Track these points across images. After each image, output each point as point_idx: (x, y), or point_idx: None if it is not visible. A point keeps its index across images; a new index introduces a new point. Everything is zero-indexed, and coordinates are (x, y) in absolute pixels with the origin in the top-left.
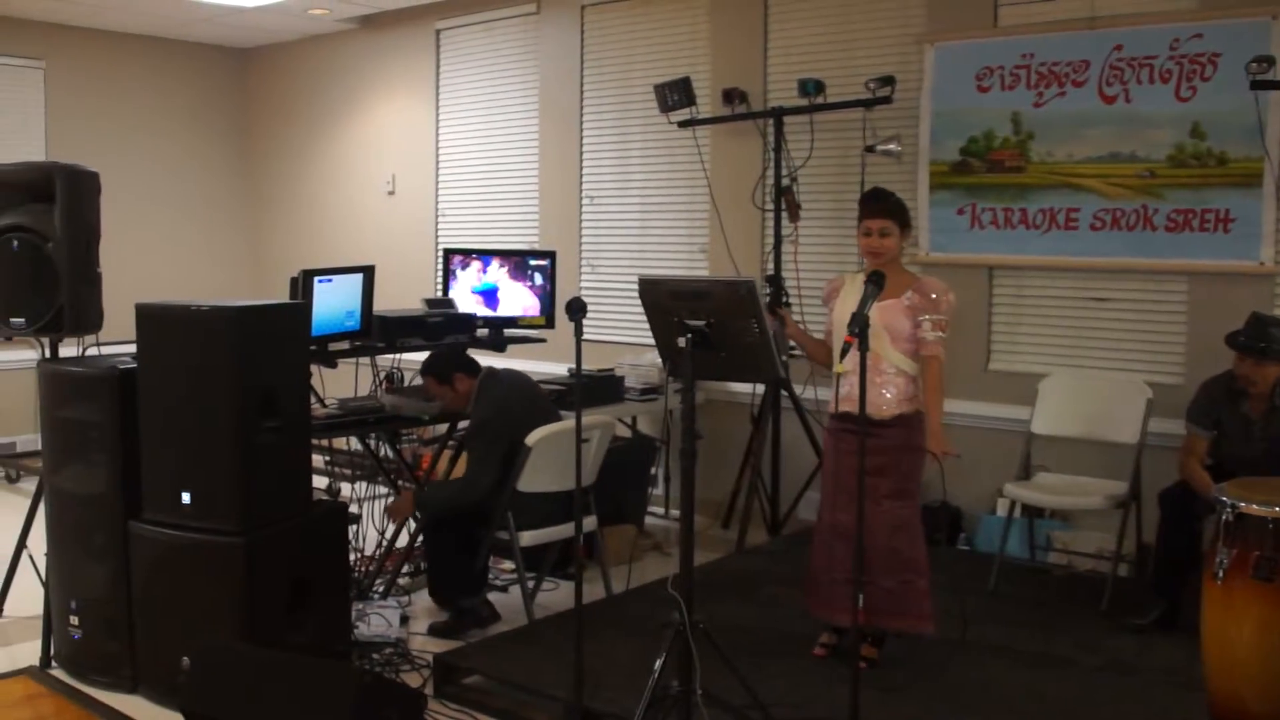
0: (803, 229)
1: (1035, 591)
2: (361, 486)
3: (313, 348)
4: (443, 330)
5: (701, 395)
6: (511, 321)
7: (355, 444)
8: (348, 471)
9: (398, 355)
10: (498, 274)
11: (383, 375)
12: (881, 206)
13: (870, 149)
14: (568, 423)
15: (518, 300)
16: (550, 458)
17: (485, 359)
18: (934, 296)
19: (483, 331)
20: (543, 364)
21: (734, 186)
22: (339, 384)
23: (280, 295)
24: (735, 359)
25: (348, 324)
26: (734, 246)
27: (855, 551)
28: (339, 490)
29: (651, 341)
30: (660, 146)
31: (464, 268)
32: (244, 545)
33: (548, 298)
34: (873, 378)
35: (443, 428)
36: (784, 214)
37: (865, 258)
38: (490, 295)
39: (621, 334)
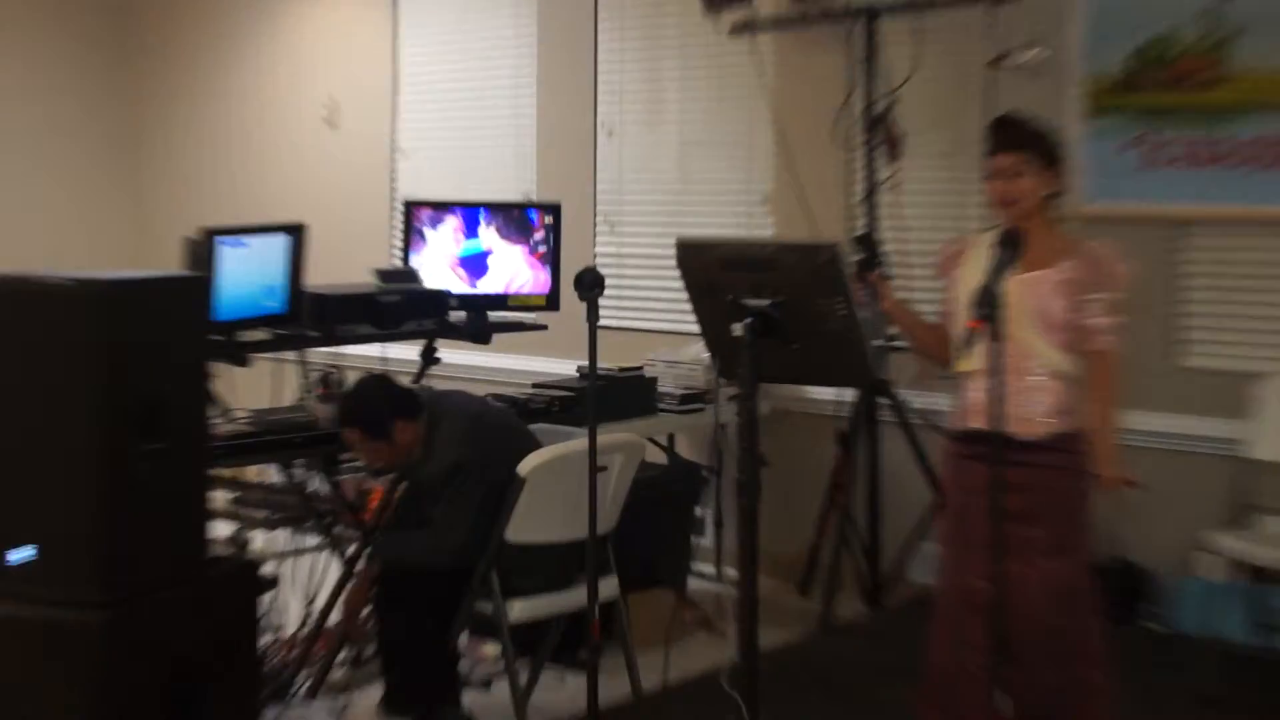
0: (907, 172)
1: (1269, 695)
2: (282, 536)
3: (216, 338)
4: (401, 313)
5: (767, 404)
6: (498, 301)
7: (275, 475)
8: (262, 514)
9: (337, 349)
10: (489, 236)
11: (315, 377)
12: (1011, 137)
13: (999, 61)
14: (576, 443)
15: (510, 272)
16: (551, 495)
17: (457, 358)
18: (1104, 267)
19: (458, 315)
20: (543, 361)
21: (808, 115)
22: (253, 389)
23: (172, 265)
24: (813, 353)
25: (267, 305)
26: (809, 197)
27: (996, 631)
28: (247, 542)
29: (695, 329)
30: (705, 61)
31: (434, 226)
32: (106, 623)
33: (550, 269)
34: (1015, 380)
35: None
36: (880, 152)
37: (994, 209)
38: (478, 263)
39: (653, 319)
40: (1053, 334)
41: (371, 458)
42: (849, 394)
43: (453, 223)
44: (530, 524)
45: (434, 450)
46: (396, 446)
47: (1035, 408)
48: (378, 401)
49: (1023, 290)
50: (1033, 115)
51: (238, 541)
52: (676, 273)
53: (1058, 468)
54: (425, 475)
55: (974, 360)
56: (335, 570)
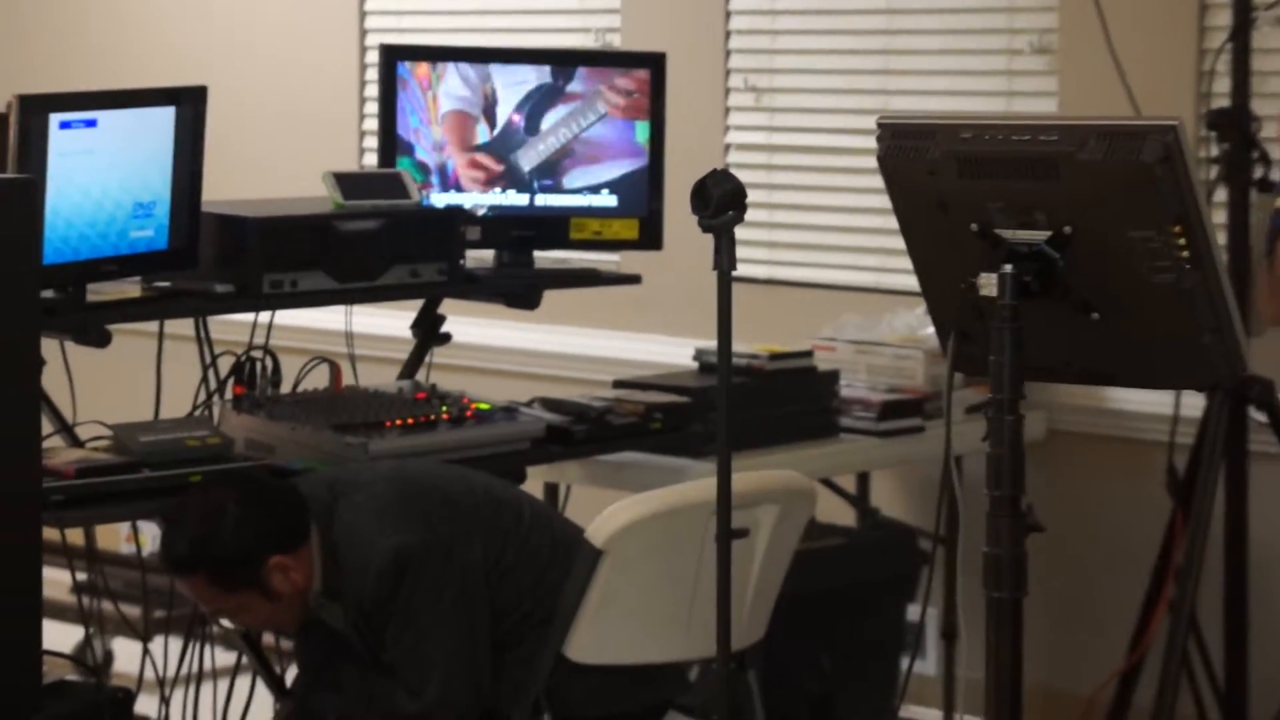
0: None
1: None
2: (166, 646)
3: (47, 295)
4: (377, 253)
5: (1039, 421)
6: (551, 231)
7: (154, 540)
8: (133, 610)
9: (263, 317)
10: (532, 112)
11: (224, 367)
12: None
13: None
14: (689, 491)
15: (569, 179)
16: (644, 582)
17: (479, 334)
18: None
19: (480, 256)
20: (631, 340)
21: None
22: (118, 388)
23: None
24: (1129, 328)
25: (137, 238)
26: (1125, 40)
27: None
28: (108, 659)
29: (909, 283)
30: None
31: (436, 93)
32: None
33: (648, 176)
34: None
35: None
36: None
37: None
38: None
39: (831, 264)
40: None
41: (236, 617)
42: (1192, 402)
43: (467, 87)
44: (609, 634)
45: (347, 574)
46: (276, 597)
47: None
48: (230, 527)
49: None
50: None
51: (90, 659)
52: (877, 180)
53: None
54: (351, 612)
55: None
56: (265, 708)
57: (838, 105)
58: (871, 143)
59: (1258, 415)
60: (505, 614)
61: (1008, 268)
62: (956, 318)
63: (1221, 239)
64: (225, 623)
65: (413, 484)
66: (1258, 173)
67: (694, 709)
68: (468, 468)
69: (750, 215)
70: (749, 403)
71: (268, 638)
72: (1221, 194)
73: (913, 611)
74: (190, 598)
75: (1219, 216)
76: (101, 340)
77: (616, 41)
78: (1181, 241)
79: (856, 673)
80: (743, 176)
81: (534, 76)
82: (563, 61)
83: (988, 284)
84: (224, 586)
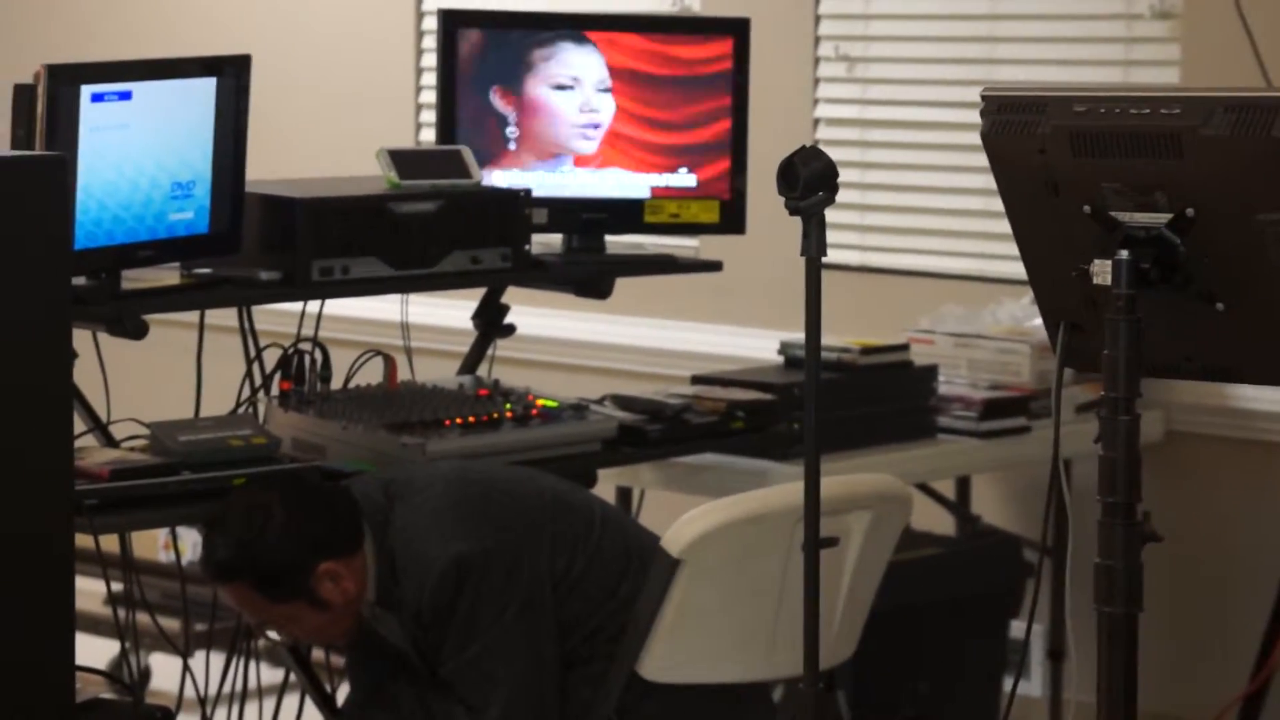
0: None
1: None
2: (208, 662)
3: (79, 282)
4: (436, 237)
5: (1158, 422)
6: (625, 214)
7: (199, 549)
8: (169, 625)
9: (313, 306)
10: (601, 87)
11: (269, 361)
12: None
13: None
14: (773, 497)
15: (643, 158)
16: (724, 594)
17: (544, 325)
18: None
19: (547, 242)
20: (711, 332)
21: None
22: (155, 384)
23: None
24: (1260, 319)
25: (177, 218)
26: (1247, 3)
27: None
28: (144, 672)
29: (1015, 270)
30: None
31: (497, 63)
32: None
33: (731, 152)
34: None
35: None
36: None
37: None
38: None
39: (929, 250)
40: None
41: (285, 628)
42: None
43: (532, 56)
44: (686, 651)
45: (404, 582)
46: (326, 607)
47: None
48: (277, 532)
49: None
50: None
51: (126, 675)
52: (980, 159)
53: None
54: (408, 623)
55: None
56: None
57: (938, 76)
58: (975, 117)
59: None
60: (574, 628)
61: (1124, 254)
62: (1067, 308)
63: None
64: (272, 635)
65: (475, 486)
66: None
67: None
68: (534, 470)
69: (841, 196)
70: (839, 401)
71: (317, 653)
72: None
73: (1016, 628)
74: (234, 608)
75: None
76: (138, 331)
77: (696, 7)
78: (1135, 227)
79: (955, 694)
80: (834, 154)
81: (599, 50)
82: (639, 28)
83: (1101, 271)
84: (270, 596)
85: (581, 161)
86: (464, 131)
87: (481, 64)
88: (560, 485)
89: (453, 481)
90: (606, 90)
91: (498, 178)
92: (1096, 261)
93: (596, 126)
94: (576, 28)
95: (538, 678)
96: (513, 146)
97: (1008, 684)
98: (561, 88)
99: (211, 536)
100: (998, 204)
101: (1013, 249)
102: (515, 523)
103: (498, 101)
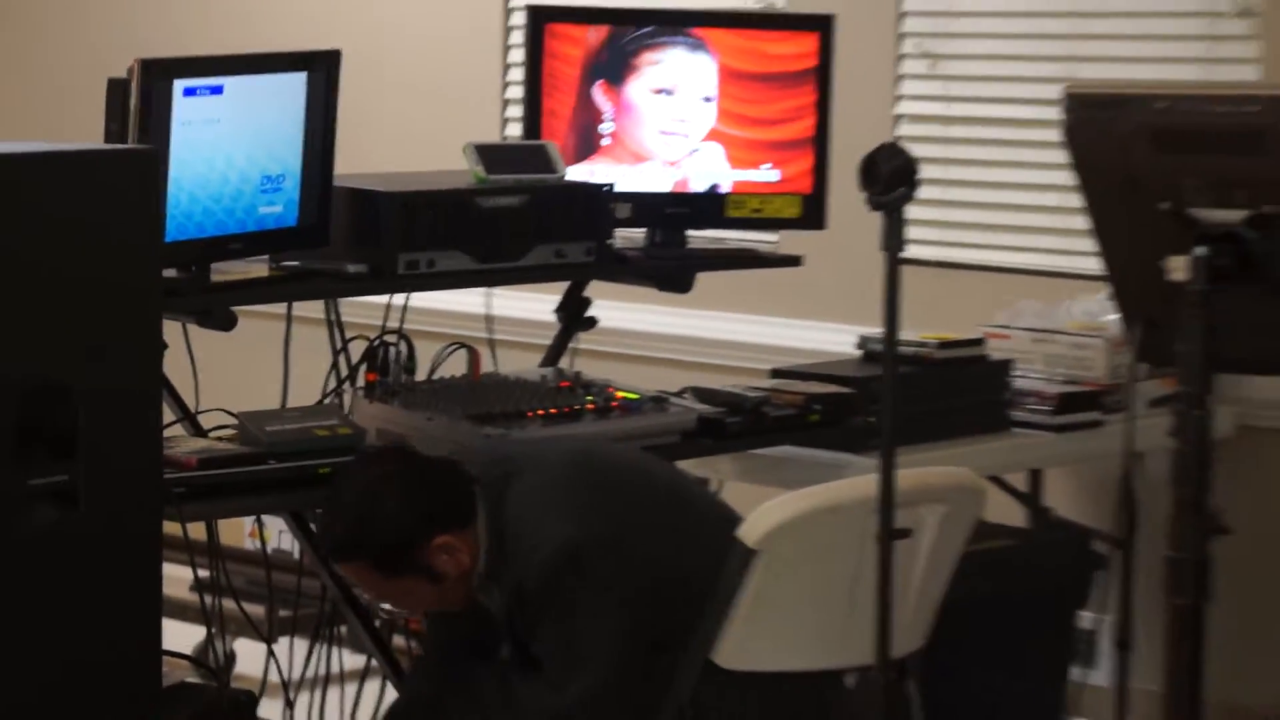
0: None
1: None
2: (292, 648)
3: (170, 274)
4: (522, 232)
5: (1229, 413)
6: (706, 209)
7: (280, 536)
8: (257, 610)
9: (399, 299)
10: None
11: (355, 353)
12: None
13: None
14: (849, 488)
15: (725, 156)
16: (800, 584)
17: (626, 319)
18: None
19: (630, 237)
20: (791, 327)
21: None
22: (242, 374)
23: (85, 132)
24: None
25: (266, 211)
26: None
27: None
28: (231, 660)
29: (1092, 266)
30: None
31: (585, 58)
32: None
33: (814, 149)
34: None
35: None
36: None
37: None
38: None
39: (1008, 246)
40: None
41: (401, 603)
42: None
43: (640, 58)
44: (761, 639)
45: (511, 557)
46: (441, 579)
47: None
48: (392, 508)
49: None
50: None
51: (210, 657)
52: (1060, 155)
53: None
54: (508, 597)
55: None
56: None
57: (1019, 73)
58: (1056, 114)
59: None
60: (667, 620)
61: (1201, 250)
62: (1143, 304)
63: None
64: (387, 607)
65: (594, 471)
66: None
67: None
68: (656, 457)
69: (922, 193)
70: (916, 394)
71: (398, 639)
72: None
73: (1086, 619)
74: (352, 583)
75: None
76: (226, 323)
77: (780, 3)
78: (1213, 228)
79: (1024, 684)
80: (915, 150)
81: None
82: (723, 24)
83: (1178, 268)
84: (386, 572)
85: None
86: (560, 124)
87: (591, 60)
88: (680, 478)
89: (571, 464)
90: (709, 100)
91: (586, 171)
92: (1173, 258)
93: (686, 137)
94: (664, 24)
95: (625, 667)
96: (607, 142)
97: (1076, 674)
98: (661, 92)
99: (327, 516)
100: (1076, 201)
101: (1089, 245)
102: (628, 511)
103: (599, 96)
